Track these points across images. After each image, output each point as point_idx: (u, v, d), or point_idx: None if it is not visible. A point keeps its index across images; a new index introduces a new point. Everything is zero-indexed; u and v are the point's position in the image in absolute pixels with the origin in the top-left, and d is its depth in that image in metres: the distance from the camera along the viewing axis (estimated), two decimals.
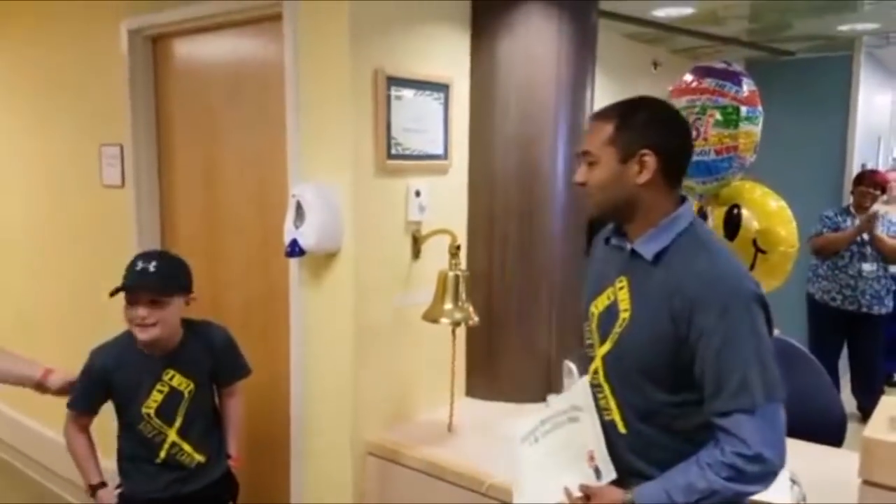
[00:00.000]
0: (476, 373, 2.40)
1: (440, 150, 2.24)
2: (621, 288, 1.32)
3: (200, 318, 2.03)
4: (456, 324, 2.04)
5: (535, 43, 2.25)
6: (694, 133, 2.05)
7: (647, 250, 1.29)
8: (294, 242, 2.02)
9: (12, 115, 3.40)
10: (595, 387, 1.37)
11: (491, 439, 2.08)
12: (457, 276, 2.04)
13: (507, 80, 2.26)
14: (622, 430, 1.32)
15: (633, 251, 1.31)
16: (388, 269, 2.13)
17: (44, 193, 3.24)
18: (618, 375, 1.32)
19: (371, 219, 2.06)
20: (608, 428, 1.34)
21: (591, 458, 1.31)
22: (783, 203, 2.48)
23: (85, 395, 1.87)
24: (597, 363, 1.36)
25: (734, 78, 2.43)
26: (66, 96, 3.02)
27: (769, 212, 2.37)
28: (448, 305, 2.02)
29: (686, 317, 1.21)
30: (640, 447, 1.31)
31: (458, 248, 2.10)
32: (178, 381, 1.87)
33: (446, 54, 2.24)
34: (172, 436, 1.87)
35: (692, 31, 3.97)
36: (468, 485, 1.84)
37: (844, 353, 4.09)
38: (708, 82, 2.35)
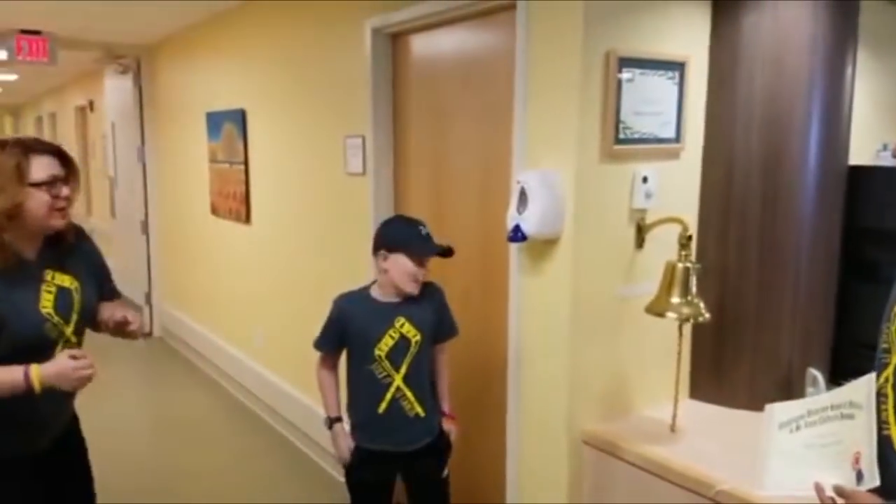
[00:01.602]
0: (702, 374, 2.25)
1: (672, 134, 2.12)
2: None
3: None
4: (684, 319, 1.92)
5: (787, 12, 2.02)
6: None
7: None
8: (517, 228, 2.05)
9: (269, 112, 3.89)
10: (880, 395, 1.20)
11: (719, 444, 1.94)
12: (686, 269, 1.92)
13: (753, 54, 2.06)
14: None
15: None
16: (609, 258, 2.08)
17: (297, 179, 3.66)
18: None
19: (594, 206, 2.02)
20: (883, 442, 1.17)
21: (857, 461, 1.17)
22: None
23: (327, 336, 2.11)
24: (888, 371, 1.20)
25: None
26: (316, 92, 3.36)
27: None
28: (675, 299, 1.92)
29: None
30: None
31: (690, 238, 1.98)
32: (407, 329, 2.03)
33: (683, 31, 2.11)
34: (398, 381, 2.03)
35: None
36: (694, 487, 1.74)
37: None
38: None
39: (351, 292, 2.14)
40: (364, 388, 2.07)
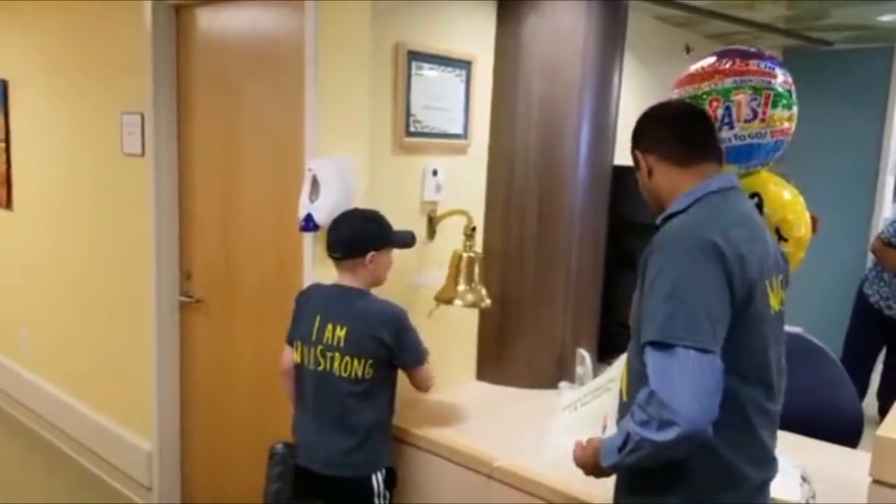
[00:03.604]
0: (487, 356, 2.39)
1: (460, 130, 2.21)
2: None
3: (219, 289, 1.95)
4: (467, 306, 2.02)
5: (562, 20, 2.20)
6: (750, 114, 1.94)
7: (661, 217, 1.34)
8: (309, 217, 2.00)
9: (36, 84, 3.42)
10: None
11: (499, 422, 2.06)
12: (471, 258, 2.02)
13: (532, 58, 2.21)
14: (625, 397, 1.34)
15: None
16: (402, 249, 2.11)
17: (67, 160, 3.26)
18: (632, 343, 1.34)
19: (387, 197, 2.03)
20: (619, 395, 1.38)
21: (605, 419, 1.38)
22: (796, 192, 2.41)
23: None
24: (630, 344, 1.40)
25: (772, 60, 2.32)
26: (89, 64, 3.02)
27: (783, 202, 2.31)
28: (461, 287, 2.01)
29: (644, 268, 1.23)
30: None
31: (474, 229, 2.08)
32: None
33: (471, 30, 2.20)
34: None
35: (727, 15, 3.85)
36: (475, 466, 1.83)
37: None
38: (753, 63, 2.24)
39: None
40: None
